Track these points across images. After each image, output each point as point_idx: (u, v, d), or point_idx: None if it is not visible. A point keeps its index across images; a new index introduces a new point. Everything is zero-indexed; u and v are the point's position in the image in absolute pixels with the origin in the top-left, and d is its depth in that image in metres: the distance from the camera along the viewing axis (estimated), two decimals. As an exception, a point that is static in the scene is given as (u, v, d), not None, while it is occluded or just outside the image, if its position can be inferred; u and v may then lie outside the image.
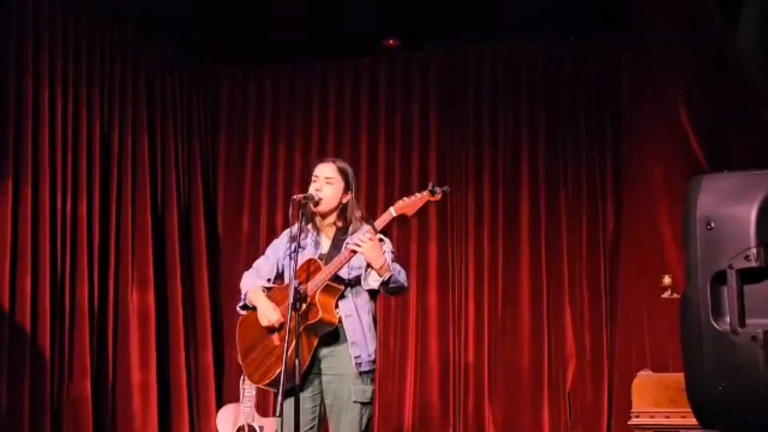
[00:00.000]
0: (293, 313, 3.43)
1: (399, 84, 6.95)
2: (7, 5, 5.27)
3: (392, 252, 3.79)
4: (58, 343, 5.46)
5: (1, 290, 5.11)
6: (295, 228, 3.67)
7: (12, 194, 5.22)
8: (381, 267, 3.61)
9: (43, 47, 5.48)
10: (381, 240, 3.68)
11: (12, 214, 5.21)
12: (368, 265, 3.64)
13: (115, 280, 6.02)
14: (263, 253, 4.04)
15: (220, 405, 6.38)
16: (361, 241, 3.56)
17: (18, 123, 5.30)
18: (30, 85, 5.37)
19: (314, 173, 3.85)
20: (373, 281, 3.66)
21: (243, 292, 3.89)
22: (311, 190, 3.79)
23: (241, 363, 3.85)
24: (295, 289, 3.46)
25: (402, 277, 3.72)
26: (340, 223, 3.82)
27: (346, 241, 3.72)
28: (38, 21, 5.45)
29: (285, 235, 3.91)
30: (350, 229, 3.78)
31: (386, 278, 3.63)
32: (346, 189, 3.82)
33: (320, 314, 3.58)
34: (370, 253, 3.57)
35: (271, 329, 3.72)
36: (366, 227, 3.65)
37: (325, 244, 3.83)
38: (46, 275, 5.38)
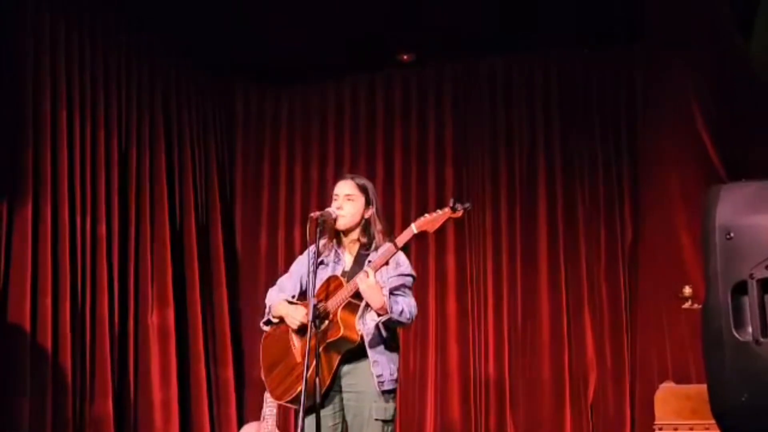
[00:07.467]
0: (313, 330, 3.42)
1: (414, 99, 6.96)
2: (23, 26, 5.33)
3: (410, 274, 3.76)
4: (79, 363, 5.48)
5: (22, 311, 5.14)
6: (313, 247, 3.67)
7: (32, 215, 5.25)
8: (380, 307, 3.57)
9: (60, 67, 5.52)
10: (397, 264, 3.67)
11: (32, 235, 5.24)
12: (367, 304, 3.60)
13: (135, 299, 6.05)
14: (282, 270, 4.05)
15: (241, 423, 6.38)
16: (360, 279, 3.53)
17: (36, 143, 5.34)
18: (48, 105, 5.41)
19: (334, 191, 3.84)
20: (371, 320, 3.62)
21: (267, 307, 3.88)
22: (332, 208, 3.78)
23: (264, 379, 3.84)
24: (314, 306, 3.46)
25: (405, 317, 3.65)
26: (363, 239, 3.80)
27: (369, 257, 3.70)
28: (54, 41, 5.50)
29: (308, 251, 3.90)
30: (374, 245, 3.77)
31: (384, 320, 3.59)
32: (367, 204, 3.80)
33: (342, 331, 3.56)
34: (367, 293, 3.54)
35: (298, 332, 3.68)
36: (387, 245, 3.62)
37: (348, 261, 3.81)
38: (66, 295, 5.40)
